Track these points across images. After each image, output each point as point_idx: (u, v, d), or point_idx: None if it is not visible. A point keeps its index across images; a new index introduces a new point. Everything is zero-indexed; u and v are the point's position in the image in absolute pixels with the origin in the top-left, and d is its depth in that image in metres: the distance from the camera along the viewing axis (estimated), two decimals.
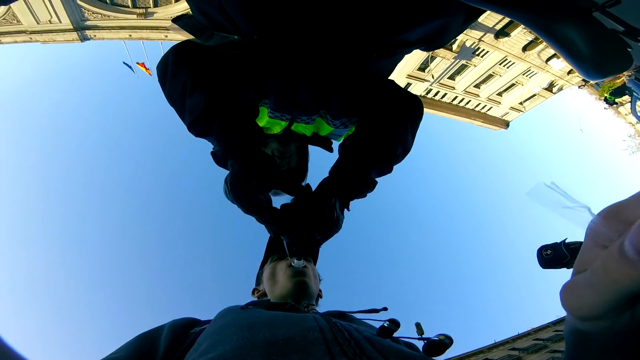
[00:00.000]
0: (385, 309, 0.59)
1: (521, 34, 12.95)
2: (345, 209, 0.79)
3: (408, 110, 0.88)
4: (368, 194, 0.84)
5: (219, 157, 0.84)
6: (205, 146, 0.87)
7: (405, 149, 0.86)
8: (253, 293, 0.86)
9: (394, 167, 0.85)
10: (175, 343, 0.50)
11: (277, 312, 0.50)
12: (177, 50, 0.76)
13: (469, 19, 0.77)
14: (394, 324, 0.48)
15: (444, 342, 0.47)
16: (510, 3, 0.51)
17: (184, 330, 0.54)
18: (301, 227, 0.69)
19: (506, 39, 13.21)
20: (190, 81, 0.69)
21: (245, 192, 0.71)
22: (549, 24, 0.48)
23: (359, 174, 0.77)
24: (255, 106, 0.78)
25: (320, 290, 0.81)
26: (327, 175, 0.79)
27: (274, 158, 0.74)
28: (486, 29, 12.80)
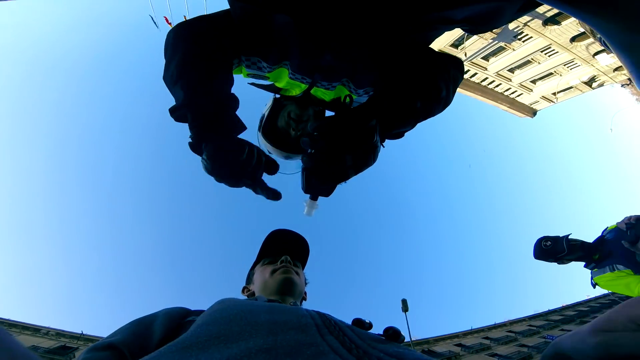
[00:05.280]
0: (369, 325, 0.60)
1: (573, 24, 11.98)
2: (381, 144, 0.68)
3: (450, 64, 0.79)
4: (405, 133, 0.73)
5: (193, 145, 0.72)
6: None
7: (447, 99, 0.75)
8: (243, 291, 0.89)
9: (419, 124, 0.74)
10: (171, 331, 0.52)
11: (272, 303, 0.54)
12: (175, 34, 0.72)
13: (526, 8, 0.68)
14: (368, 324, 0.54)
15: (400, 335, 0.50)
16: (591, 11, 0.38)
17: (179, 319, 0.55)
18: (332, 145, 0.58)
19: (555, 27, 12.23)
20: (176, 72, 0.68)
21: (226, 173, 0.65)
22: (635, 38, 0.36)
23: (404, 98, 0.67)
24: (236, 100, 0.72)
25: (305, 293, 0.85)
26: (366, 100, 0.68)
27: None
28: (535, 15, 11.86)
